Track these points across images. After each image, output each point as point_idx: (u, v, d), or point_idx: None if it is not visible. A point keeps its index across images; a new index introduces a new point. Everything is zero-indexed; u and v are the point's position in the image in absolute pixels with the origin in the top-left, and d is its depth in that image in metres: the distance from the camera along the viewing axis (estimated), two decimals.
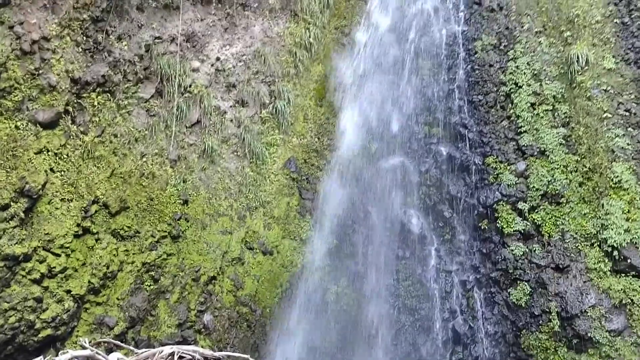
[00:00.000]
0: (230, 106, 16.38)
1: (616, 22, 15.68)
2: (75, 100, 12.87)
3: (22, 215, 11.58)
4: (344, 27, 18.94)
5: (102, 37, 13.26)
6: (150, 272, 14.01)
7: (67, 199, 12.55)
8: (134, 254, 13.81)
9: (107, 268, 13.17)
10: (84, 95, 13.08)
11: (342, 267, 16.16)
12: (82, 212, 12.81)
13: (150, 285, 13.92)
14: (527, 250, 15.05)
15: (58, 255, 12.31)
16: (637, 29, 15.33)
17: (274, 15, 17.38)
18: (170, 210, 14.56)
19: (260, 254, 15.90)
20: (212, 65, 15.99)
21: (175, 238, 14.55)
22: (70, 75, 12.50)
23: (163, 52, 14.69)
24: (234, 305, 15.16)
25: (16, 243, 11.45)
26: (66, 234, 12.44)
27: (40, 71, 11.90)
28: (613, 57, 15.40)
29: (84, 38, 12.88)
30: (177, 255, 14.51)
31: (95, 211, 13.20)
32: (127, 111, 14.11)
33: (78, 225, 12.70)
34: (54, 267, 12.19)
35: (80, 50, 12.83)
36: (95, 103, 13.30)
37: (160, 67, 14.51)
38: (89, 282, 12.78)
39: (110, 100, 13.63)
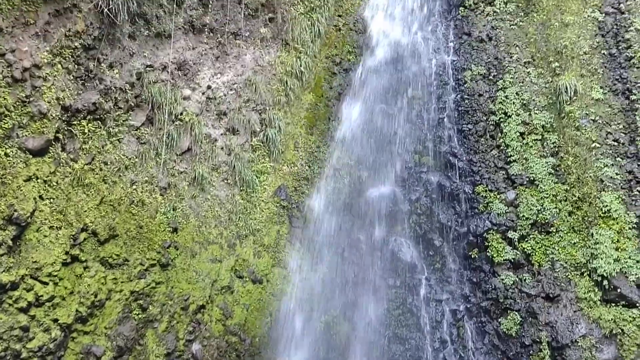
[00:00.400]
0: (221, 134, 16.40)
1: (604, 54, 15.90)
2: (65, 128, 12.82)
3: (10, 243, 11.44)
4: (335, 56, 19.13)
5: (94, 64, 13.27)
6: (138, 301, 13.85)
7: (56, 227, 12.42)
8: (122, 282, 13.65)
9: (95, 296, 13.00)
10: (75, 122, 13.04)
11: (332, 296, 16.07)
12: (71, 239, 12.68)
13: (139, 314, 13.75)
14: (517, 279, 15.05)
15: (46, 283, 12.13)
16: (624, 60, 15.56)
17: (266, 44, 17.51)
18: (159, 238, 14.45)
19: (250, 282, 15.80)
20: (203, 93, 16.04)
21: (165, 266, 14.43)
22: (61, 102, 12.47)
23: (154, 80, 14.72)
24: (223, 335, 15.01)
25: (3, 271, 11.29)
26: (54, 262, 12.28)
27: (30, 99, 11.87)
28: (601, 87, 15.58)
29: (76, 66, 12.89)
30: (166, 284, 14.37)
31: (84, 239, 13.07)
32: (118, 139, 14.08)
33: (66, 253, 12.55)
34: (42, 296, 12.01)
35: (72, 77, 12.82)
36: (86, 130, 13.26)
37: (152, 95, 14.53)
38: (77, 310, 12.59)
39: (100, 127, 13.60)
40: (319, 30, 18.48)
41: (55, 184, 12.55)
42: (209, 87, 16.12)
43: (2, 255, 11.31)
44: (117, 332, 13.30)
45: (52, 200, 12.45)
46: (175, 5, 15.11)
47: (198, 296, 14.74)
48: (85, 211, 13.08)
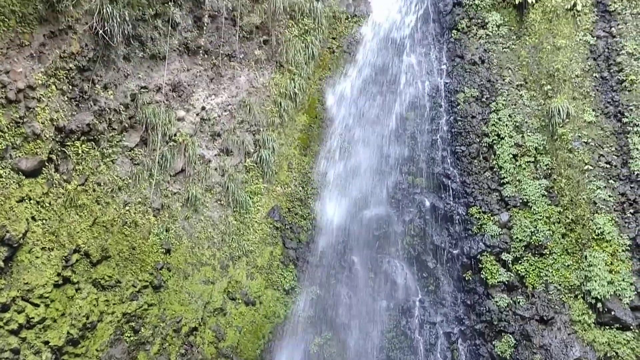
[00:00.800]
0: (215, 155, 16.40)
1: (595, 77, 16.03)
2: (59, 149, 12.80)
3: (2, 264, 11.35)
4: (329, 78, 19.21)
5: (88, 86, 13.28)
6: (130, 323, 13.73)
7: (48, 248, 12.34)
8: (114, 304, 13.55)
9: (87, 318, 12.89)
10: (68, 143, 13.02)
11: (325, 318, 15.97)
12: (63, 261, 12.60)
13: (131, 336, 13.63)
14: (511, 301, 15.02)
15: (37, 305, 12.02)
16: (616, 83, 15.69)
17: (260, 66, 17.59)
18: (152, 259, 14.38)
19: (242, 304, 15.70)
20: (197, 114, 16.06)
21: (157, 288, 14.33)
22: (54, 123, 12.46)
23: (149, 102, 14.74)
24: (216, 357, 14.87)
25: None
26: (46, 284, 12.18)
27: (24, 119, 11.85)
28: (593, 110, 15.69)
29: (70, 87, 12.90)
30: (158, 306, 14.27)
31: (76, 260, 12.99)
32: (111, 160, 14.06)
33: (58, 274, 12.46)
34: (33, 318, 11.90)
35: (66, 98, 12.82)
36: (80, 151, 13.24)
37: (146, 116, 14.54)
38: (68, 333, 12.46)
39: (94, 148, 13.58)
40: (313, 52, 18.60)
41: (48, 205, 12.49)
42: (203, 109, 16.14)
43: None
44: (109, 355, 13.17)
45: (44, 221, 12.38)
46: (170, 28, 15.18)
47: (190, 318, 14.63)
48: (78, 232, 13.01)
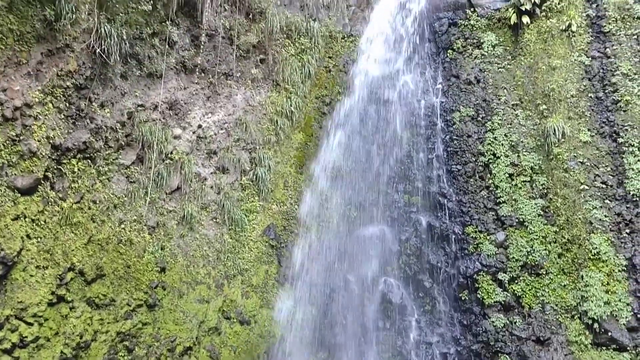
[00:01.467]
0: (211, 173, 16.38)
1: (591, 97, 16.13)
2: (55, 167, 12.75)
3: None
4: (325, 96, 19.27)
5: (85, 104, 13.27)
6: (124, 342, 13.61)
7: (43, 266, 12.25)
8: (108, 323, 13.43)
9: (81, 337, 12.77)
10: (64, 161, 12.97)
11: (321, 337, 15.88)
12: (58, 279, 12.50)
13: (125, 355, 13.49)
14: (508, 321, 14.98)
15: (31, 324, 11.90)
16: (611, 103, 15.78)
17: (256, 84, 17.65)
18: (147, 278, 14.29)
19: (237, 323, 15.60)
20: (193, 132, 16.06)
21: (152, 307, 14.23)
22: (51, 141, 12.42)
23: (145, 120, 14.73)
24: None
25: None
26: (40, 302, 12.07)
27: (21, 137, 11.81)
28: (588, 130, 15.77)
29: (67, 105, 12.87)
30: (152, 325, 14.16)
31: (71, 279, 12.88)
32: (107, 177, 14.01)
33: (53, 293, 12.35)
34: (26, 337, 11.77)
35: (63, 116, 12.79)
36: (75, 169, 13.18)
37: (142, 134, 14.52)
38: (62, 352, 12.32)
39: (90, 166, 13.53)
40: (309, 71, 18.69)
41: (43, 222, 12.41)
42: (199, 127, 16.15)
43: None
44: None
45: (39, 239, 12.30)
46: (167, 46, 15.22)
47: (185, 337, 14.51)
48: (73, 250, 12.92)
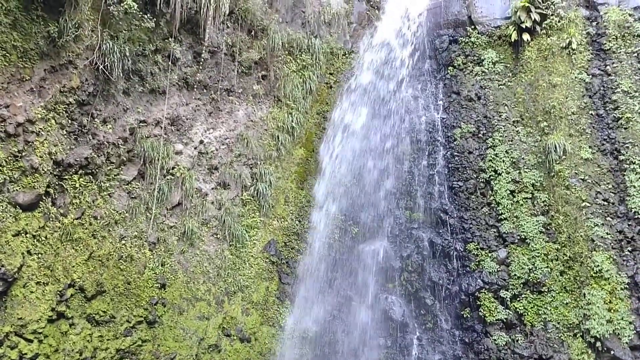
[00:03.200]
0: (212, 188, 16.37)
1: (591, 114, 16.16)
2: (56, 182, 12.74)
3: None
4: (326, 112, 19.31)
5: (87, 120, 13.29)
6: (124, 359, 13.52)
7: (43, 283, 12.21)
8: (108, 339, 13.37)
9: (80, 354, 12.71)
10: (66, 177, 12.97)
11: (322, 356, 15.79)
12: (58, 296, 12.46)
13: None
14: (510, 340, 14.91)
15: (30, 341, 11.86)
16: (612, 120, 15.81)
17: (258, 100, 17.69)
18: (147, 294, 14.23)
19: (237, 341, 15.51)
20: (195, 148, 16.07)
21: (151, 323, 14.16)
22: (53, 157, 12.42)
23: (147, 135, 14.75)
24: None
25: None
26: (40, 319, 12.03)
27: (23, 153, 11.81)
28: (590, 147, 15.78)
29: (69, 121, 12.89)
30: (152, 342, 14.08)
31: (71, 295, 12.85)
32: (109, 193, 14.00)
33: (52, 309, 12.32)
34: (26, 354, 11.72)
35: (65, 132, 12.81)
36: (77, 185, 13.18)
37: (144, 149, 14.53)
38: None
39: (92, 182, 13.53)
40: (310, 87, 18.75)
41: (44, 238, 12.38)
42: (201, 142, 16.16)
43: None
44: None
45: (40, 255, 12.27)
46: (170, 63, 15.27)
47: (185, 355, 14.43)
48: (74, 266, 12.89)
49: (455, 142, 17.74)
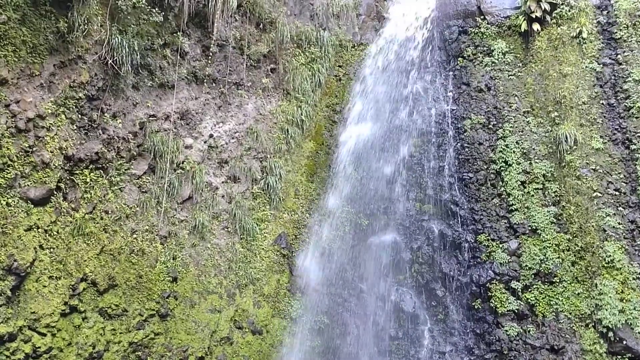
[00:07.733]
0: (222, 182, 16.41)
1: (602, 104, 16.05)
2: (67, 177, 12.82)
3: (9, 293, 11.29)
4: (335, 105, 19.31)
5: (97, 115, 13.35)
6: (137, 352, 13.63)
7: (55, 277, 12.30)
8: (120, 333, 13.45)
9: (93, 348, 12.79)
10: (77, 172, 13.04)
11: (333, 347, 15.82)
12: (70, 290, 12.54)
13: None
14: (521, 330, 14.88)
15: (44, 334, 11.95)
16: (623, 110, 15.70)
17: (267, 93, 17.70)
18: (159, 288, 14.29)
19: (249, 333, 15.58)
20: (205, 142, 16.12)
21: (164, 317, 14.24)
22: (63, 152, 12.50)
23: (157, 130, 14.80)
24: None
25: (1, 322, 11.11)
26: (53, 313, 12.11)
27: (34, 148, 11.88)
28: (601, 137, 15.69)
29: (79, 116, 12.96)
30: (164, 335, 14.16)
31: (84, 289, 12.92)
32: (119, 187, 14.07)
33: (65, 303, 12.40)
34: (39, 347, 11.81)
35: (75, 127, 12.88)
36: (88, 180, 13.25)
37: (154, 144, 14.58)
38: None
39: (102, 176, 13.60)
40: (319, 80, 18.74)
41: (55, 233, 12.47)
42: (211, 136, 16.20)
43: (0, 306, 11.16)
44: None
45: (52, 249, 12.35)
46: (178, 57, 15.31)
47: (197, 347, 14.50)
48: (85, 261, 12.97)
49: (465, 134, 17.67)
